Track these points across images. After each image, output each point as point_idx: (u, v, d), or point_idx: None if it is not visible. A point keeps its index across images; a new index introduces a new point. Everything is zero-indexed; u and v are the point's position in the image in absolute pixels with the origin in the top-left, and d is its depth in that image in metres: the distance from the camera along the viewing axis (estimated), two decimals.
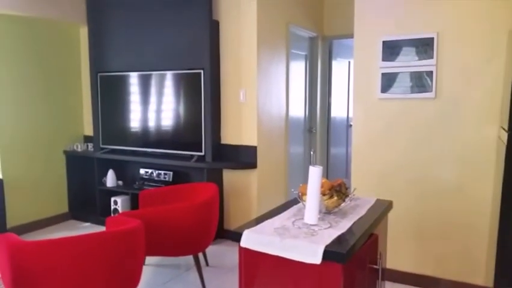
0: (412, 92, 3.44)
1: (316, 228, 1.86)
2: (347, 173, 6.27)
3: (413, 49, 3.43)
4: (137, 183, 4.85)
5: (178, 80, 4.51)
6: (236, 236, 1.86)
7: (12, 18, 4.52)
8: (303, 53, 5.53)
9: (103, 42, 4.94)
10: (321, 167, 1.91)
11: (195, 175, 4.60)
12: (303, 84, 5.58)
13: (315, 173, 1.89)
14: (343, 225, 1.91)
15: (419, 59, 3.40)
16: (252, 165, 4.39)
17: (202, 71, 4.34)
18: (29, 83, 4.78)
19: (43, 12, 4.55)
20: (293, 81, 5.15)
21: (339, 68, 6.07)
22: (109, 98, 4.96)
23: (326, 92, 5.92)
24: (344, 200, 2.11)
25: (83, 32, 5.25)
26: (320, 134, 5.92)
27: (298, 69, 5.43)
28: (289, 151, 5.12)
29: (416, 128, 3.42)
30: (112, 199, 4.81)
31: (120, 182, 5.00)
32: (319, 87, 5.78)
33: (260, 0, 4.26)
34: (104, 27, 4.91)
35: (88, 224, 5.13)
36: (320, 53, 5.75)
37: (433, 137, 3.36)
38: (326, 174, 6.00)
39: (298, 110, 5.46)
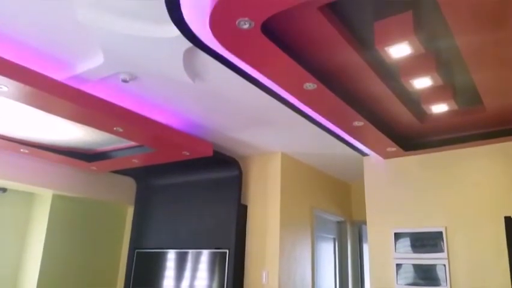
0: (426, 286, 3.39)
1: None
2: None
3: (424, 242, 3.52)
4: None
5: (204, 259, 4.74)
6: None
7: (70, 197, 5.26)
8: (331, 236, 5.68)
9: (143, 222, 5.46)
10: None
11: None
12: (332, 267, 5.55)
13: None
14: None
15: (431, 252, 3.45)
16: None
17: (227, 251, 4.57)
18: (72, 253, 5.22)
19: (98, 195, 5.27)
20: (321, 263, 5.19)
21: None
22: (141, 273, 5.21)
23: (357, 276, 5.80)
24: None
25: (130, 211, 5.87)
26: None
27: (327, 251, 5.50)
28: None
29: None
30: None
31: None
32: (350, 271, 5.71)
33: (284, 187, 4.70)
34: (147, 209, 5.50)
35: None
36: (350, 237, 5.86)
37: None
38: None
39: None
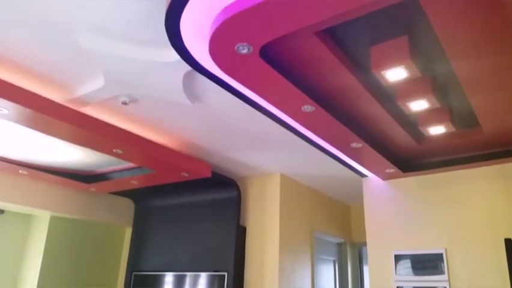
0: None
1: None
2: None
3: (425, 264, 3.49)
4: None
5: (203, 281, 4.67)
6: None
7: (67, 219, 5.22)
8: (332, 258, 5.62)
9: (141, 244, 5.40)
10: None
11: None
12: None
13: None
14: None
15: (431, 274, 3.42)
16: None
17: (226, 274, 4.51)
18: (70, 275, 5.15)
19: (96, 217, 5.23)
20: (321, 285, 5.13)
21: None
22: None
23: None
24: None
25: (128, 232, 5.82)
26: None
27: (327, 273, 5.44)
28: None
29: None
30: None
31: None
32: None
33: (283, 208, 4.67)
34: (145, 230, 5.45)
35: None
36: (350, 259, 5.81)
37: None
38: None
39: None
